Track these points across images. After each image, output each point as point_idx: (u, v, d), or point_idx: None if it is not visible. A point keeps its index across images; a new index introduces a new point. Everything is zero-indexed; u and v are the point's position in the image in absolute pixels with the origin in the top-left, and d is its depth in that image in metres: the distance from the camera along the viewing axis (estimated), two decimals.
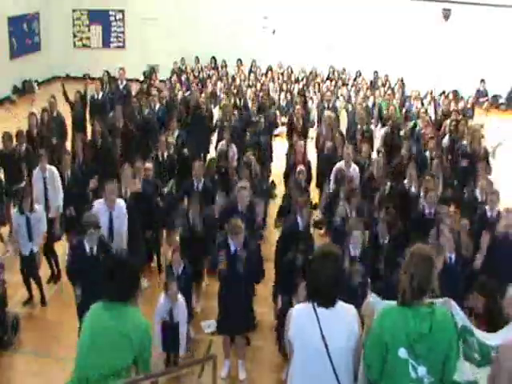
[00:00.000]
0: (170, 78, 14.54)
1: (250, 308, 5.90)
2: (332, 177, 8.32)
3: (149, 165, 7.73)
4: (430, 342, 2.97)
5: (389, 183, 7.80)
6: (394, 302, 3.20)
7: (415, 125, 10.92)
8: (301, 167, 8.16)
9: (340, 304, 3.14)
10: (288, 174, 8.80)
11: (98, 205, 6.41)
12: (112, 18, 18.84)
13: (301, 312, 3.18)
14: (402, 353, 2.99)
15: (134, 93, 12.63)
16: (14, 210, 6.99)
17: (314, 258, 3.24)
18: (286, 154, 9.64)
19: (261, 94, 13.03)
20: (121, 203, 6.52)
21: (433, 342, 2.98)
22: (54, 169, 7.68)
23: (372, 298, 3.44)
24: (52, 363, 5.94)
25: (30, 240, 6.77)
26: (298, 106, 11.33)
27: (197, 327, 6.58)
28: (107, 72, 12.68)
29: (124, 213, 6.51)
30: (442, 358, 3.03)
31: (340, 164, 8.34)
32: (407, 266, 3.05)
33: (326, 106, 12.22)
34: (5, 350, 6.17)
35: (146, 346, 3.32)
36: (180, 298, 5.75)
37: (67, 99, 10.97)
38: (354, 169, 8.25)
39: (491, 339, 3.65)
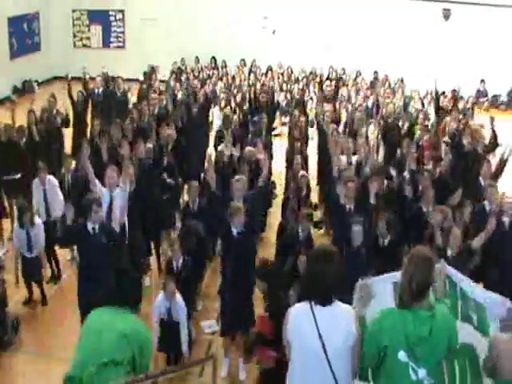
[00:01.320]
0: (170, 78, 14.50)
1: (250, 304, 5.91)
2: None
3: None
4: (429, 346, 2.97)
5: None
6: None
7: (412, 124, 10.80)
8: (302, 172, 8.16)
9: (338, 304, 3.14)
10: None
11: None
12: (112, 18, 18.83)
13: (298, 311, 3.18)
14: (402, 356, 3.00)
15: (132, 97, 12.37)
16: (14, 224, 7.10)
17: (312, 257, 3.24)
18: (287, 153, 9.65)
19: (262, 95, 12.93)
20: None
21: (433, 345, 2.98)
22: (53, 179, 7.59)
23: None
24: (52, 363, 5.92)
25: (31, 252, 6.89)
26: (297, 114, 10.89)
27: (197, 327, 6.58)
28: (106, 74, 12.61)
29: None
30: (442, 358, 3.04)
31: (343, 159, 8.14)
32: (406, 268, 3.05)
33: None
34: (5, 351, 6.17)
35: (144, 354, 3.32)
36: (178, 296, 5.66)
37: (71, 98, 10.99)
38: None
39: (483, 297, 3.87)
